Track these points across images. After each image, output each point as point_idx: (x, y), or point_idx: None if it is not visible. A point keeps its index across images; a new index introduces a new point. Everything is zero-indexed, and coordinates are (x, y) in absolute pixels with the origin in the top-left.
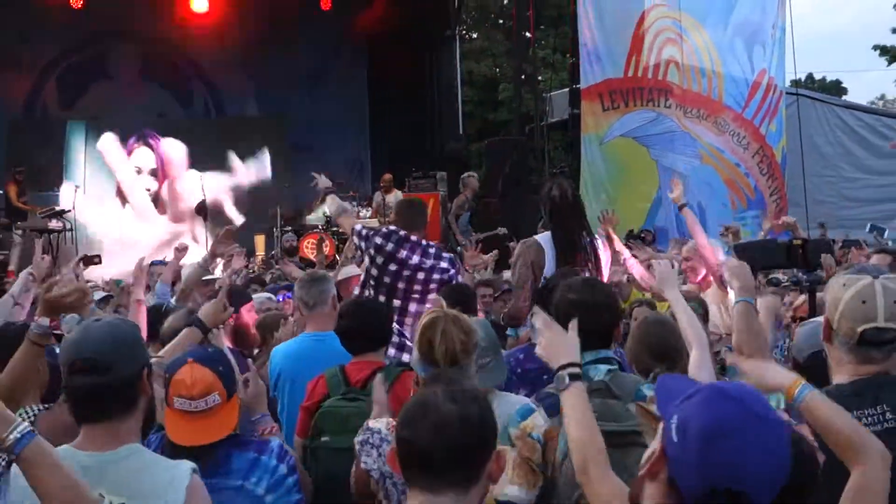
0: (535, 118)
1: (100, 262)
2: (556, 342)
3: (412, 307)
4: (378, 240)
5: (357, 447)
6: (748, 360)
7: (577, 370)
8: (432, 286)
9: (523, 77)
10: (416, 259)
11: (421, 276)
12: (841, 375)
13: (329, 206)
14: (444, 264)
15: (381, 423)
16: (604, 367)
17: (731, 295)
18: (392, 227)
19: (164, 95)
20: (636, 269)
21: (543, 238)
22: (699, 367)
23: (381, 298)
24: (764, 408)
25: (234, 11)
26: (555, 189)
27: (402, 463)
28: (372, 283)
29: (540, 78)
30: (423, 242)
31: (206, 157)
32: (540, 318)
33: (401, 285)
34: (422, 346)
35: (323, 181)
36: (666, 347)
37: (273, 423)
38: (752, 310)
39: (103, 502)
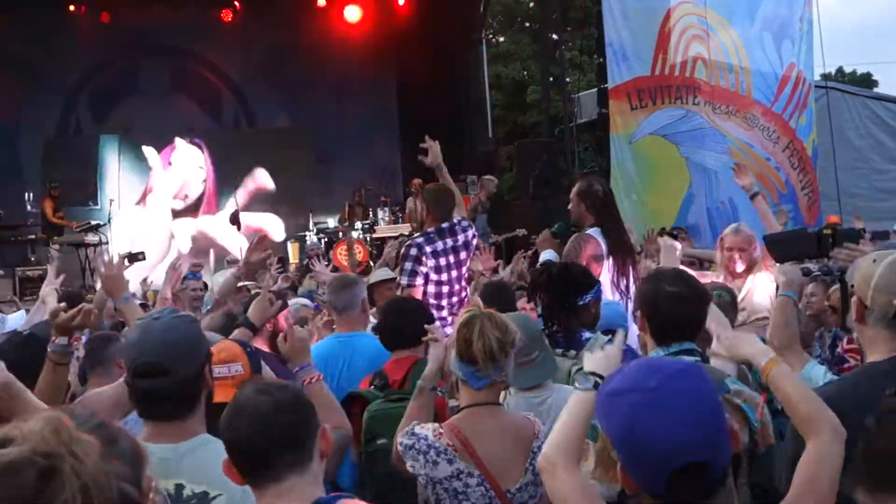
0: (563, 119)
1: (144, 259)
2: (739, 337)
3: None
4: (430, 260)
5: (401, 449)
6: (727, 331)
7: (601, 381)
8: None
9: (551, 79)
10: (459, 240)
11: (463, 255)
12: (877, 353)
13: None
14: (470, 233)
15: (427, 430)
16: (690, 360)
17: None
18: (425, 239)
19: (193, 108)
20: None
21: (595, 232)
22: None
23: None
24: (657, 378)
25: (261, 21)
26: (597, 184)
27: (238, 467)
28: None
29: (568, 79)
30: (455, 221)
31: (237, 168)
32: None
33: (454, 273)
34: (459, 344)
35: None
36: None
37: (316, 371)
38: (792, 305)
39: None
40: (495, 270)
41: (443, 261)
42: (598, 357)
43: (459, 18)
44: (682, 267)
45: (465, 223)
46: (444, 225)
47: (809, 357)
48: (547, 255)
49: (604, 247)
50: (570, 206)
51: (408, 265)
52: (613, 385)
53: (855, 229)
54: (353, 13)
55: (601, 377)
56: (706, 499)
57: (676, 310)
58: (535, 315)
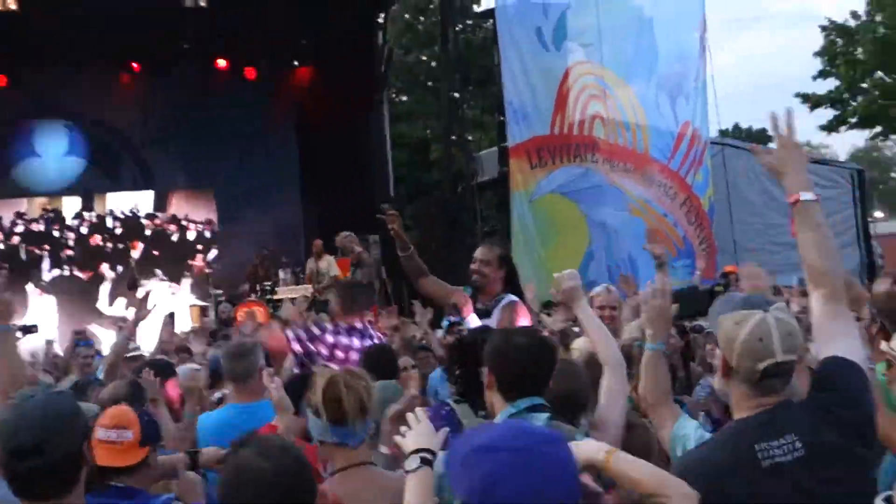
0: (465, 178)
1: (37, 331)
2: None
3: None
4: (329, 338)
5: None
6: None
7: (429, 456)
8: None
9: (453, 137)
10: (352, 341)
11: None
12: (743, 410)
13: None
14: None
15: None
16: (543, 416)
17: None
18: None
19: (91, 171)
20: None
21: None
22: (610, 393)
23: None
24: (526, 440)
25: (160, 83)
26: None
27: None
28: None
29: (470, 138)
30: (360, 326)
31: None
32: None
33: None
34: (327, 405)
35: None
36: (570, 397)
37: None
38: (661, 357)
39: None
40: (396, 329)
41: (339, 353)
42: (416, 434)
43: (360, 79)
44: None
45: (371, 332)
46: (358, 325)
47: (681, 411)
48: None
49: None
50: (479, 269)
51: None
52: (481, 441)
53: None
54: (252, 74)
55: (430, 451)
56: None
57: (526, 364)
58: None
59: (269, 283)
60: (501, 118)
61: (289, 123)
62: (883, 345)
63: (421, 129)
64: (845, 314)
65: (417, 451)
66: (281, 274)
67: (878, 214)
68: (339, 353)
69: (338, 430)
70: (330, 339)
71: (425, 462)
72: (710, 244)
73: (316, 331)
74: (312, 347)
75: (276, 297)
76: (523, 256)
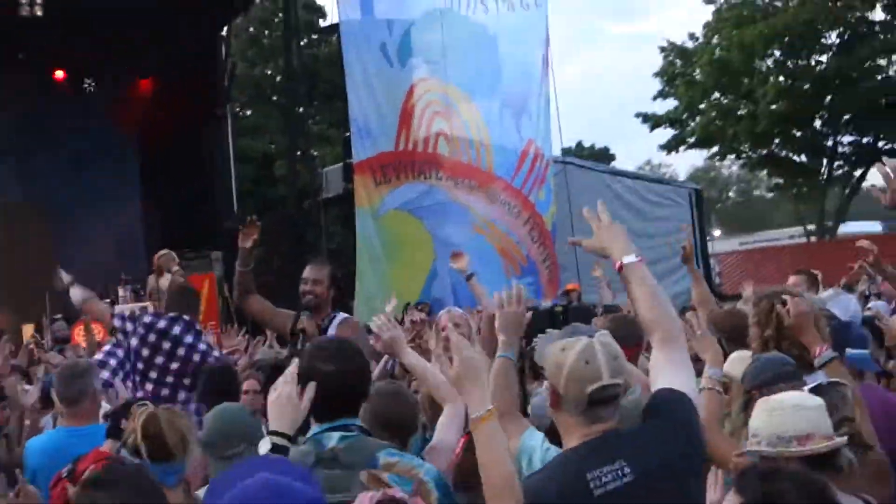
0: (311, 193)
1: None
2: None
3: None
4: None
5: None
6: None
7: (286, 441)
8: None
9: (299, 153)
10: (189, 339)
11: (185, 353)
12: (573, 440)
13: (74, 295)
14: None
15: None
16: (336, 434)
17: None
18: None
19: None
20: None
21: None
22: (448, 425)
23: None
24: None
25: None
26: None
27: None
28: (140, 365)
29: (315, 153)
30: (198, 326)
31: None
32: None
33: (160, 360)
34: (148, 443)
35: (64, 276)
36: (394, 419)
37: None
38: (512, 366)
39: None
40: (240, 350)
41: (145, 351)
42: (277, 407)
43: (203, 92)
44: None
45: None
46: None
47: (528, 423)
48: None
49: None
50: (312, 289)
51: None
52: (234, 498)
53: (586, 306)
54: (92, 86)
55: (288, 437)
56: None
57: (328, 388)
58: None
59: (108, 301)
60: (347, 134)
61: (130, 137)
62: (706, 370)
63: (266, 144)
64: (678, 352)
65: (275, 433)
66: (120, 291)
67: (716, 233)
68: (152, 336)
69: (156, 468)
70: (148, 318)
71: (280, 449)
72: (553, 262)
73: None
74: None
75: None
76: (369, 273)
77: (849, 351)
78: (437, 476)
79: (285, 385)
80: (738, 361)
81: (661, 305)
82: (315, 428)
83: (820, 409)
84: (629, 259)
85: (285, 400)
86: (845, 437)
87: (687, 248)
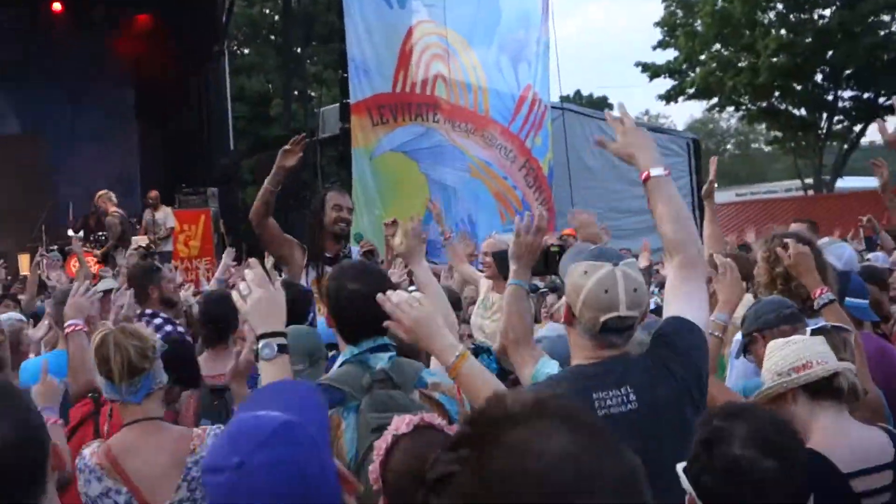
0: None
1: None
2: (264, 304)
3: None
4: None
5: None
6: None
7: (284, 339)
8: None
9: (295, 93)
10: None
11: None
12: (581, 359)
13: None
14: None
15: (89, 448)
16: (385, 355)
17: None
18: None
19: None
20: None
21: None
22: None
23: None
24: (241, 457)
25: None
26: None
27: None
28: None
29: (312, 94)
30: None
31: None
32: (249, 274)
33: None
34: (100, 367)
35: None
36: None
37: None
38: (525, 294)
39: None
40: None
41: None
42: (257, 311)
43: (201, 29)
44: None
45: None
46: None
47: (543, 352)
48: None
49: None
50: (347, 216)
51: None
52: (205, 461)
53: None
54: (90, 20)
55: (283, 335)
56: None
57: (360, 307)
58: None
59: (103, 234)
60: (344, 74)
61: (127, 72)
62: (714, 313)
63: (263, 84)
64: (696, 280)
65: (269, 335)
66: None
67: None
68: None
69: (111, 388)
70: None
71: (282, 349)
72: (549, 207)
73: None
74: None
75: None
76: (363, 214)
77: (848, 300)
78: None
79: (261, 288)
80: (743, 306)
81: (686, 227)
82: (351, 349)
83: (820, 341)
84: (657, 171)
85: (269, 301)
86: (847, 363)
87: (712, 185)
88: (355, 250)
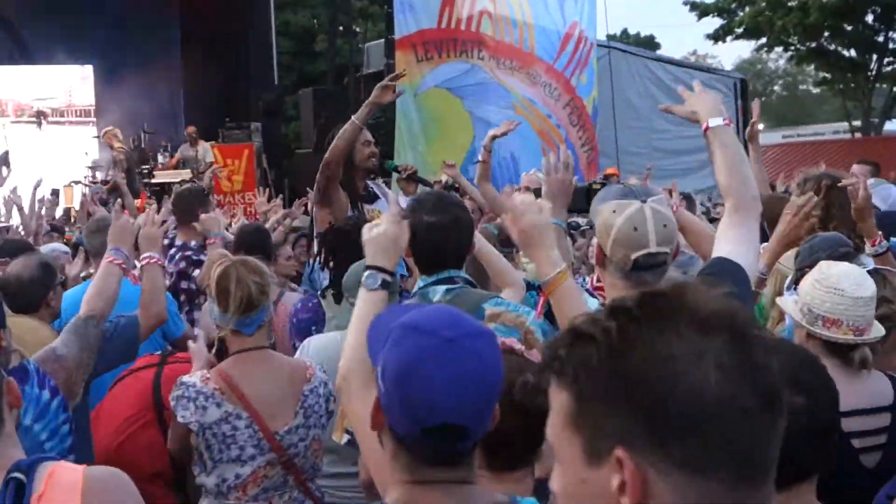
0: (350, 69)
1: None
2: (379, 239)
3: None
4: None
5: (173, 403)
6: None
7: (389, 277)
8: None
9: (340, 28)
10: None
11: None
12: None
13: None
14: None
15: (195, 377)
16: (442, 288)
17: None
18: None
19: None
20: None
21: None
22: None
23: None
24: (456, 331)
25: None
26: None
27: None
28: None
29: (357, 29)
30: (180, 243)
31: (13, 107)
32: (392, 209)
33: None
34: (219, 297)
35: None
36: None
37: (157, 257)
38: (561, 232)
39: None
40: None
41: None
42: (376, 243)
43: None
44: None
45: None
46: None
47: (582, 289)
48: None
49: None
50: (376, 150)
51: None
52: (411, 320)
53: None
54: None
55: (390, 273)
56: (449, 464)
57: (435, 240)
58: None
59: (147, 167)
60: (389, 10)
61: (173, 6)
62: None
63: (308, 19)
64: (747, 225)
65: (377, 268)
66: (160, 158)
67: (759, 127)
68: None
69: (223, 317)
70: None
71: (385, 285)
72: (592, 146)
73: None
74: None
75: (153, 180)
76: (406, 149)
77: (892, 240)
78: (542, 325)
79: (391, 224)
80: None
81: (740, 172)
82: (420, 282)
83: (864, 300)
84: (716, 121)
85: (390, 239)
86: (872, 338)
87: (755, 127)
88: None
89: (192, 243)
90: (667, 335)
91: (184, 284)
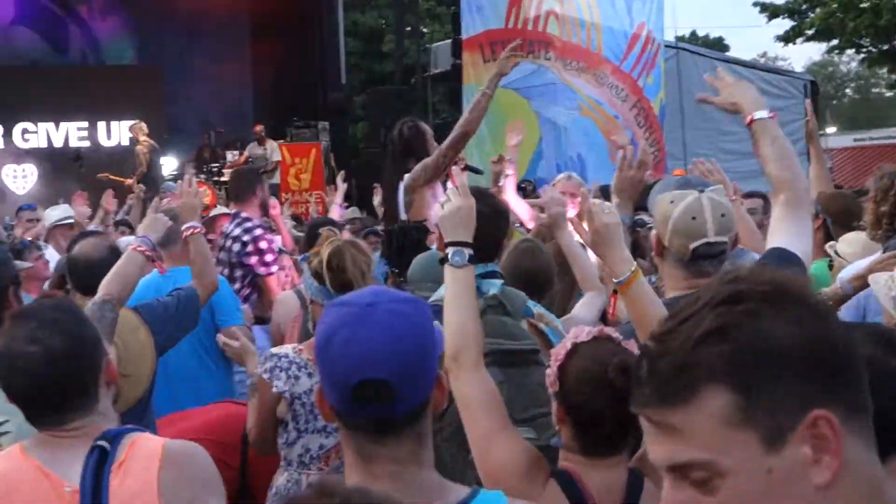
0: (418, 70)
1: None
2: (456, 214)
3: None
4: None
5: (266, 376)
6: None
7: (463, 249)
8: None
9: (408, 28)
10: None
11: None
12: (674, 290)
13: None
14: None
15: (287, 349)
16: (498, 282)
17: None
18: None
19: (37, 41)
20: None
21: None
22: (588, 305)
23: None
24: (378, 297)
25: None
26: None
27: (21, 405)
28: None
29: (425, 30)
30: (242, 216)
31: (81, 107)
32: (460, 180)
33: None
34: (330, 273)
35: None
36: (532, 275)
37: (198, 225)
38: (624, 229)
39: None
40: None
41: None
42: (453, 219)
43: None
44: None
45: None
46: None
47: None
48: None
49: None
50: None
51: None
52: (337, 299)
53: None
54: None
55: (472, 247)
56: (385, 437)
57: (486, 227)
58: None
59: (217, 165)
60: (456, 10)
61: (241, 3)
62: (827, 245)
63: (376, 19)
64: (800, 217)
65: (461, 243)
66: (229, 156)
67: (830, 129)
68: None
69: (323, 293)
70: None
71: (471, 260)
72: (659, 147)
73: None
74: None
75: (223, 178)
76: (473, 149)
77: None
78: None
79: (464, 198)
80: (849, 242)
81: (791, 166)
82: None
83: None
84: (761, 114)
85: (465, 212)
86: None
87: (810, 125)
88: None
89: (254, 219)
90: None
91: (253, 258)
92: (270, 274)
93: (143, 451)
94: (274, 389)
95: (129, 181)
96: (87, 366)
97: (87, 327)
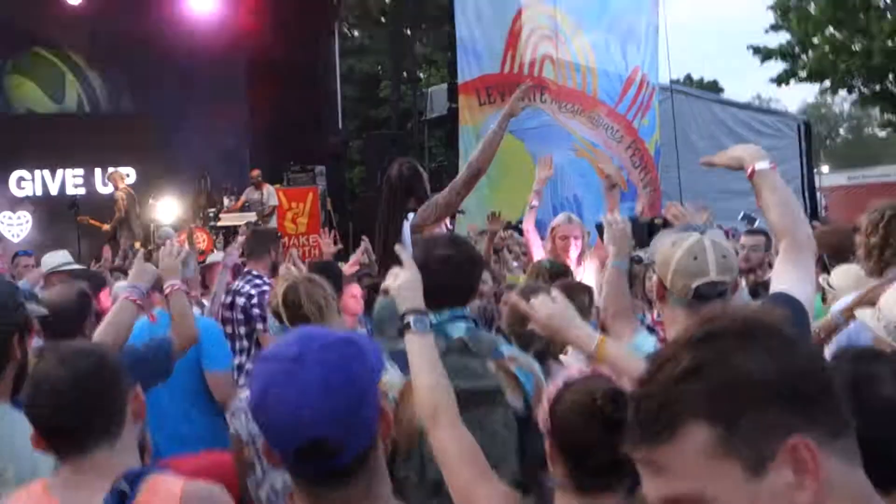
0: (414, 114)
1: None
2: (411, 284)
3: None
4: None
5: (228, 416)
6: (544, 309)
7: (424, 316)
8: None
9: (404, 74)
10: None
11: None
12: (676, 332)
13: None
14: (252, 291)
15: (248, 390)
16: (463, 325)
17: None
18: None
19: (35, 91)
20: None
21: None
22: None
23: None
24: (301, 347)
25: (107, 7)
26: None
27: (44, 441)
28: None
29: (421, 75)
30: (252, 273)
31: (77, 154)
32: (404, 256)
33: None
34: (287, 309)
35: None
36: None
37: (178, 283)
38: (623, 274)
39: None
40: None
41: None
42: (408, 289)
43: (313, 9)
44: None
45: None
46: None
47: (641, 325)
48: None
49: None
50: None
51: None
52: (264, 352)
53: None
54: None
55: (421, 312)
56: (335, 484)
57: (447, 274)
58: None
59: (213, 210)
60: (452, 55)
61: (238, 51)
62: (821, 278)
63: (372, 65)
64: (802, 262)
65: (418, 311)
66: (225, 201)
67: (824, 168)
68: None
69: (279, 328)
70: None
71: (430, 325)
72: (655, 188)
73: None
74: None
75: (220, 223)
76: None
77: None
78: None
79: (409, 270)
80: (842, 275)
81: (792, 212)
82: (433, 317)
83: None
84: (762, 165)
85: (416, 283)
86: None
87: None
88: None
89: (262, 276)
90: (759, 342)
91: (256, 311)
92: (266, 331)
93: (162, 492)
94: (231, 430)
95: (105, 226)
96: (113, 391)
97: (112, 357)
